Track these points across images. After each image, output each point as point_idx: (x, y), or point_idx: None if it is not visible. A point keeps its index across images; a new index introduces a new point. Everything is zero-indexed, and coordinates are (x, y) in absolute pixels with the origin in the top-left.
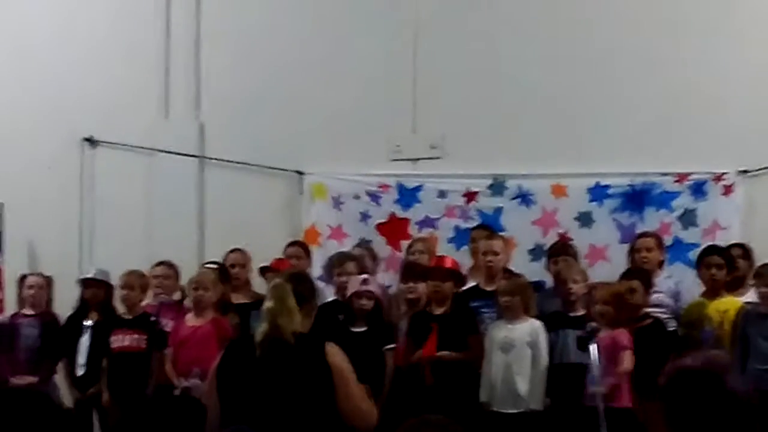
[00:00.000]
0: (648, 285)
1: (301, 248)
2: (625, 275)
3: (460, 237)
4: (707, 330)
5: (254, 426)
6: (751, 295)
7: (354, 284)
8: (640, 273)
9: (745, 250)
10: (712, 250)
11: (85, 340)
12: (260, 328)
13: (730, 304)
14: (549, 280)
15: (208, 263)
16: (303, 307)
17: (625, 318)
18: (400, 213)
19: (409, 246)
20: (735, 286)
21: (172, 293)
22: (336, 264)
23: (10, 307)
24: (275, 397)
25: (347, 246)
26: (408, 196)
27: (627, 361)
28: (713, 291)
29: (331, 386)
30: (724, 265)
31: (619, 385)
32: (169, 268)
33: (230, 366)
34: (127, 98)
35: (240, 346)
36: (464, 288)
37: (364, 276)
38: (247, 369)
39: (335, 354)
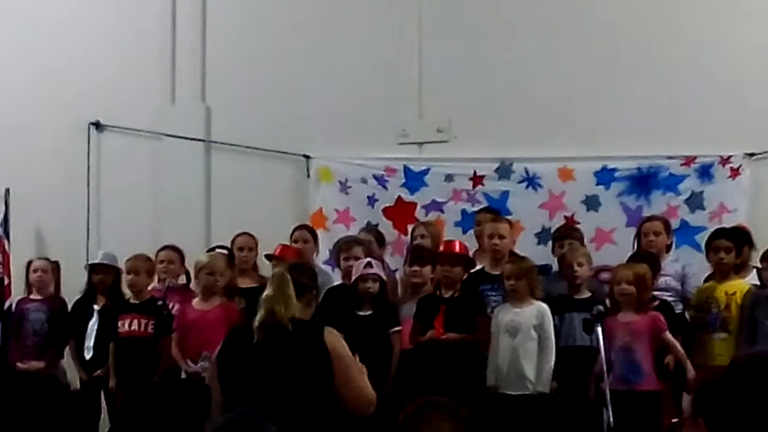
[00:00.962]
0: (655, 269)
1: (307, 232)
2: (633, 258)
3: (467, 220)
4: (714, 313)
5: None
6: (752, 278)
7: (358, 268)
8: (647, 256)
9: (745, 234)
10: (721, 233)
11: (92, 324)
12: (258, 314)
13: (737, 286)
14: (555, 264)
15: (214, 248)
16: (303, 296)
17: (645, 299)
18: (407, 197)
19: (412, 232)
20: (737, 269)
21: (177, 277)
22: (343, 248)
23: (18, 293)
24: (274, 381)
25: (354, 230)
26: (414, 179)
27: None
28: (722, 274)
29: (329, 370)
30: (733, 248)
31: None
32: (174, 252)
33: (230, 352)
34: (133, 83)
35: (240, 332)
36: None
37: (368, 259)
38: (246, 354)
39: (333, 338)
